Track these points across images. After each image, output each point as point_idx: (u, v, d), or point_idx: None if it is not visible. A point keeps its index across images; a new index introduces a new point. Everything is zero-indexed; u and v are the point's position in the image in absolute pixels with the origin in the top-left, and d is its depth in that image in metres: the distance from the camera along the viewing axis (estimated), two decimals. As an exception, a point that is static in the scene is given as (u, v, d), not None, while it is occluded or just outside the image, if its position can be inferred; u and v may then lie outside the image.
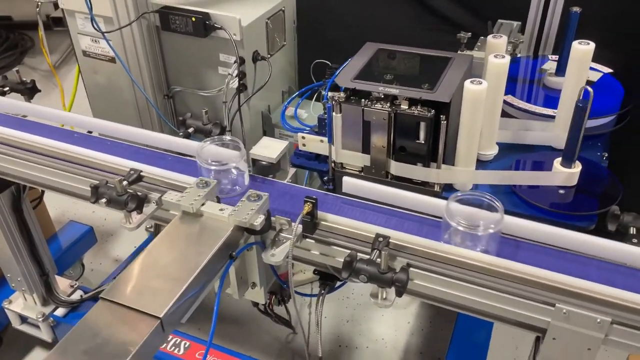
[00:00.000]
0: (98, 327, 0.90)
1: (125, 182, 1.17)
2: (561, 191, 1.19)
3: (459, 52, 1.70)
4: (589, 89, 1.07)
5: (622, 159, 1.42)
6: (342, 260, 1.07)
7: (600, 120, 1.40)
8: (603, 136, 1.39)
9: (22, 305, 1.88)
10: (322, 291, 1.24)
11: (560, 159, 1.20)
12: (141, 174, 1.22)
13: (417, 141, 1.18)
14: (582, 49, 1.19)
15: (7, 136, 1.44)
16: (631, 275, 1.01)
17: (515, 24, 1.79)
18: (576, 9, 1.37)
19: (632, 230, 1.05)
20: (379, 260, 0.99)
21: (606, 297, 0.95)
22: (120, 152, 1.35)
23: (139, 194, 1.17)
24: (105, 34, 1.70)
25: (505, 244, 1.08)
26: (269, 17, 1.82)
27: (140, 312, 0.91)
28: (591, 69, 1.52)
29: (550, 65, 1.56)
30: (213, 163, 1.19)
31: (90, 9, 1.62)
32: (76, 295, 1.92)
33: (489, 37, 1.33)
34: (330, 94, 1.21)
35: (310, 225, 1.08)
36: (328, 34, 2.29)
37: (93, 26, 1.66)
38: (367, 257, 1.01)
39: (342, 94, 1.20)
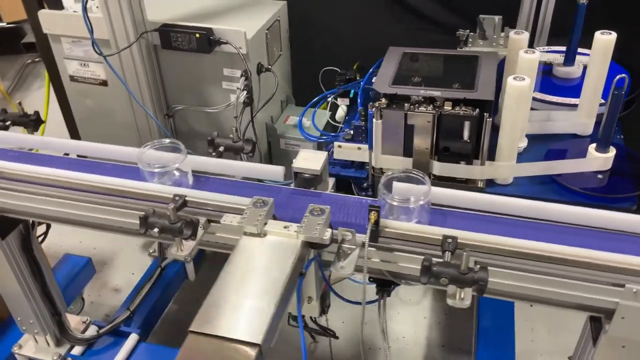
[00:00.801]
0: (197, 360, 0.87)
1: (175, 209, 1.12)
2: (600, 176, 1.25)
3: (458, 49, 1.75)
4: (624, 76, 1.12)
5: (634, 142, 1.49)
6: (404, 265, 1.09)
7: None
8: (617, 121, 1.46)
9: (34, 348, 1.78)
10: (382, 298, 1.24)
11: (594, 144, 1.25)
12: (186, 199, 1.18)
13: (462, 140, 1.20)
14: (605, 39, 1.25)
15: (19, 171, 1.36)
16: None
17: (497, 18, 1.85)
18: (583, 0, 1.43)
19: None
20: (455, 261, 1.00)
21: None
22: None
23: (193, 219, 1.13)
24: (107, 57, 1.63)
25: (560, 232, 1.11)
26: (267, 28, 1.80)
27: (237, 342, 0.89)
28: (581, 54, 1.60)
29: (554, 56, 1.62)
30: (156, 166, 1.21)
31: (91, 31, 1.55)
32: (91, 331, 1.84)
33: (512, 34, 1.37)
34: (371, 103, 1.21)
35: (375, 233, 1.08)
36: (315, 41, 2.29)
37: (95, 50, 1.60)
38: (440, 259, 1.02)
39: (383, 101, 1.21)
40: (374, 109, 1.21)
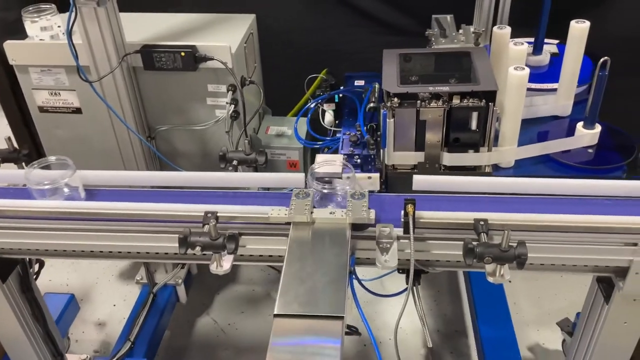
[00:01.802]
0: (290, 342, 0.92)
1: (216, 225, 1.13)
2: (589, 150, 1.38)
3: (427, 47, 1.85)
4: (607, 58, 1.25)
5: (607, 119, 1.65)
6: (438, 252, 1.16)
7: (580, 88, 1.61)
8: (585, 102, 1.61)
9: (37, 393, 1.69)
10: (414, 286, 1.29)
11: (582, 122, 1.38)
12: (218, 214, 1.19)
13: (471, 130, 1.29)
14: (580, 27, 1.39)
15: (22, 208, 1.29)
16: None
17: (449, 17, 1.98)
18: (547, -6, 1.57)
19: (664, 169, 1.25)
20: (495, 241, 1.08)
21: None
22: (170, 199, 1.29)
23: (234, 233, 1.14)
24: (93, 83, 1.59)
25: (568, 203, 1.22)
26: (245, 42, 1.82)
27: (323, 317, 0.93)
28: (546, 43, 1.75)
29: (520, 47, 1.75)
30: (45, 184, 1.25)
31: (76, 57, 1.51)
32: (94, 368, 1.77)
33: (495, 29, 1.48)
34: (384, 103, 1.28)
35: (413, 224, 1.14)
36: (280, 52, 2.33)
37: (80, 76, 1.55)
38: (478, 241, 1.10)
39: (396, 100, 1.28)
40: (387, 109, 1.28)
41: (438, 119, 1.28)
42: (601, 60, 1.26)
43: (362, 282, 1.25)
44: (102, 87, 1.66)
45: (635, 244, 1.15)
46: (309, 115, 1.82)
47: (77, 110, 1.83)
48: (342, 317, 0.94)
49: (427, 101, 1.27)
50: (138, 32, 1.72)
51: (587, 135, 1.37)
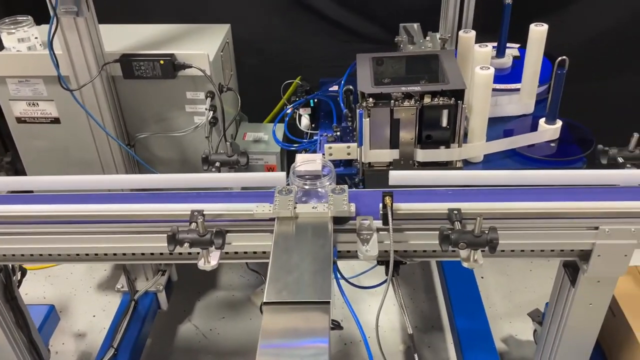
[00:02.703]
0: (280, 329, 0.97)
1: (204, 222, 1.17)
2: (552, 144, 1.47)
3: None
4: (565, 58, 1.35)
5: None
6: (415, 242, 1.23)
7: (541, 88, 1.72)
8: (545, 101, 1.71)
9: (20, 403, 1.68)
10: (393, 276, 1.35)
11: (544, 119, 1.48)
12: (204, 212, 1.23)
13: (442, 127, 1.37)
14: (539, 30, 1.49)
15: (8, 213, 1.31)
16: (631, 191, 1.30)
17: (416, 25, 2.07)
18: (509, 1, 1.67)
19: (620, 160, 1.35)
20: (469, 227, 1.15)
21: (633, 209, 1.22)
22: (154, 201, 1.32)
23: (221, 229, 1.18)
24: (67, 92, 1.62)
25: (534, 193, 1.30)
26: (222, 50, 1.87)
27: (310, 303, 0.99)
28: (508, 47, 1.86)
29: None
30: None
31: (57, 65, 1.54)
32: (77, 377, 1.78)
33: (461, 33, 1.57)
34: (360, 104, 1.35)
35: (391, 216, 1.20)
36: (254, 61, 2.40)
37: (61, 85, 1.57)
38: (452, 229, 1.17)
39: (371, 100, 1.35)
40: (362, 109, 1.34)
41: (411, 117, 1.35)
42: (558, 59, 1.36)
43: (342, 278, 1.30)
44: (82, 96, 1.69)
45: (596, 228, 1.24)
46: (287, 120, 1.88)
47: (56, 120, 1.85)
48: (328, 302, 0.99)
49: (400, 101, 1.34)
50: (117, 42, 1.75)
51: (549, 130, 1.46)
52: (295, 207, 1.19)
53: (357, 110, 1.35)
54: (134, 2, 2.28)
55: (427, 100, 1.34)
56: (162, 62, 1.68)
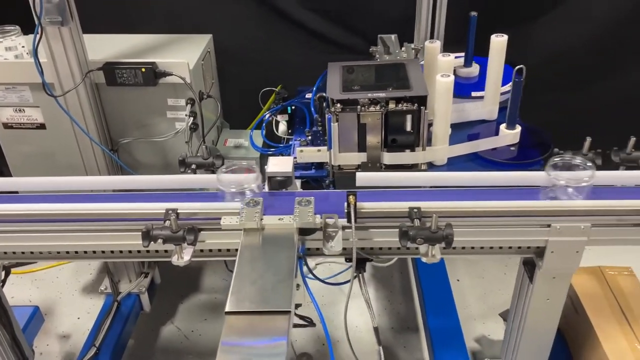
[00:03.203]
0: (241, 338, 1.01)
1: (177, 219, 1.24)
2: (512, 148, 1.55)
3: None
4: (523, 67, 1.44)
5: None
6: (379, 240, 1.30)
7: (505, 95, 1.80)
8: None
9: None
10: (360, 273, 1.42)
11: (504, 124, 1.56)
12: (178, 211, 1.30)
13: (406, 131, 1.44)
14: (500, 40, 1.57)
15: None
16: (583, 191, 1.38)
17: (393, 36, 2.16)
18: (474, 13, 1.76)
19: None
20: (427, 224, 1.22)
21: (583, 207, 1.30)
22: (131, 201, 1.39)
23: (193, 226, 1.25)
24: (52, 98, 1.69)
25: (493, 193, 1.38)
26: (202, 59, 1.95)
27: (271, 312, 1.03)
28: (479, 58, 1.94)
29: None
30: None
31: (42, 73, 1.61)
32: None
33: (427, 43, 1.66)
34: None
35: (355, 214, 1.27)
36: (236, 70, 2.48)
37: (46, 91, 1.65)
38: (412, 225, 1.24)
39: (339, 106, 1.42)
40: (331, 114, 1.42)
41: (377, 122, 1.43)
42: (516, 68, 1.44)
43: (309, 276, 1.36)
44: (66, 102, 1.76)
45: (549, 225, 1.31)
46: (264, 126, 1.95)
47: (41, 126, 1.92)
48: (289, 312, 1.04)
49: (366, 106, 1.42)
50: (101, 51, 1.83)
51: (509, 135, 1.55)
52: (262, 219, 1.24)
53: (327, 116, 1.43)
54: (119, 13, 2.36)
55: (392, 106, 1.42)
56: (143, 69, 1.75)
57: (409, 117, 1.43)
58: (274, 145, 1.78)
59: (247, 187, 1.34)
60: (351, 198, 1.25)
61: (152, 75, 1.76)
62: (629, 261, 1.95)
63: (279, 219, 1.23)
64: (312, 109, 1.57)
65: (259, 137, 2.04)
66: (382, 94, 1.42)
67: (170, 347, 2.22)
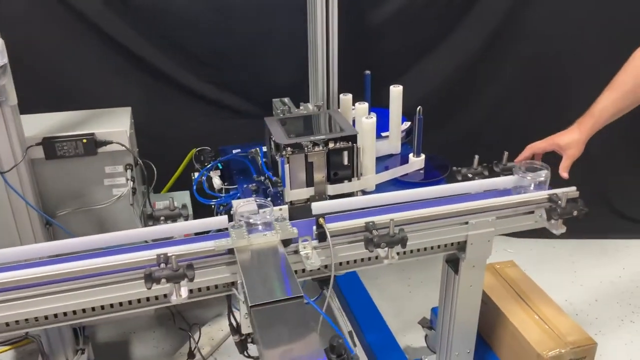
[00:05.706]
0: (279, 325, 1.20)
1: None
2: (420, 171, 1.94)
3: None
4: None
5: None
6: (344, 254, 1.56)
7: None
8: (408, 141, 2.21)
9: None
10: (324, 290, 1.64)
11: (412, 153, 1.95)
12: (167, 254, 1.42)
13: (345, 165, 1.75)
14: (397, 90, 1.98)
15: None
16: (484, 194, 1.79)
17: (287, 99, 2.50)
18: (367, 72, 2.16)
19: (469, 175, 1.84)
20: (386, 231, 1.51)
21: (488, 204, 1.69)
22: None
23: (189, 263, 1.39)
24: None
25: (419, 205, 1.72)
26: (132, 129, 2.09)
27: (288, 299, 1.25)
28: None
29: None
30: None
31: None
32: None
33: (342, 96, 2.01)
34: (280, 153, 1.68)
35: (324, 234, 1.52)
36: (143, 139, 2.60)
37: (-7, 168, 1.66)
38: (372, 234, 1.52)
39: (289, 149, 1.69)
40: (283, 157, 1.68)
41: (321, 160, 1.71)
42: (418, 107, 1.85)
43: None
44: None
45: (466, 223, 1.68)
46: (195, 185, 2.12)
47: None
48: (302, 296, 1.26)
49: (309, 147, 1.71)
50: (36, 128, 1.88)
51: (416, 162, 1.94)
52: (249, 237, 1.44)
53: (279, 159, 1.68)
54: (45, 93, 2.40)
55: (331, 145, 1.72)
56: (85, 140, 1.84)
57: (346, 153, 1.74)
58: (216, 195, 1.95)
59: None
60: (321, 220, 1.51)
61: (93, 145, 1.86)
62: (508, 257, 2.44)
63: (264, 235, 1.44)
64: (262, 160, 1.81)
65: (185, 197, 2.20)
66: (322, 136, 1.72)
67: None
